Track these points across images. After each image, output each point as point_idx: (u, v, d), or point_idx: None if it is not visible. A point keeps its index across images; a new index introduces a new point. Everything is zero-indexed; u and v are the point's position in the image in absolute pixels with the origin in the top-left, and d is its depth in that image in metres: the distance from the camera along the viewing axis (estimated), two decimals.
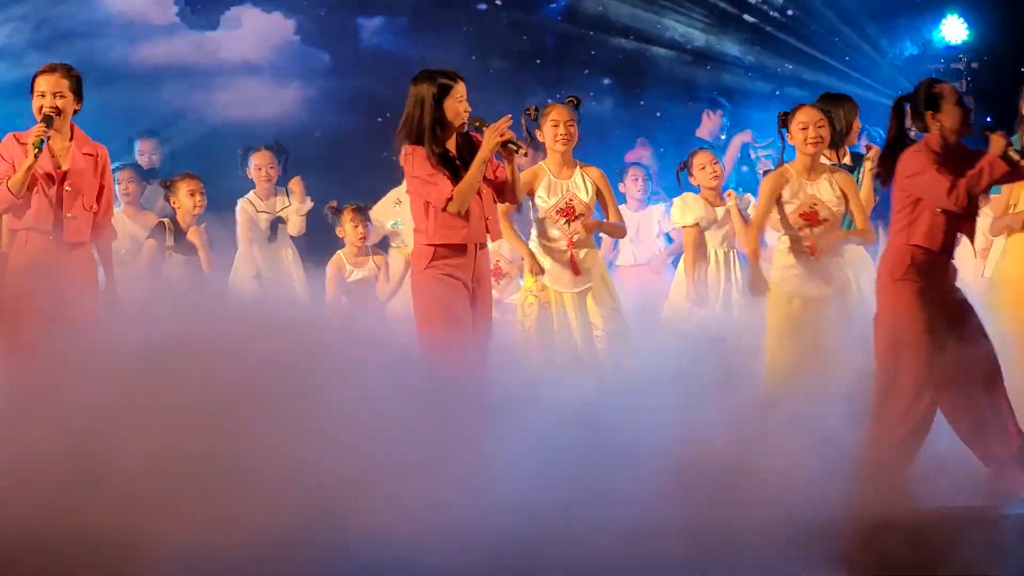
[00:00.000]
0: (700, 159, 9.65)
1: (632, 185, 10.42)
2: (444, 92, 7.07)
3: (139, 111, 12.35)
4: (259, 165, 10.11)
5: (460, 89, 7.14)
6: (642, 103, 14.53)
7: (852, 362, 7.55)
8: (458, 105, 7.07)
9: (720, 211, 9.46)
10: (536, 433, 6.33)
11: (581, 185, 8.41)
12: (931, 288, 6.95)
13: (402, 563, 5.17)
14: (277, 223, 10.24)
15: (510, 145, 6.98)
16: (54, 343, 6.81)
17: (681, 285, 9.62)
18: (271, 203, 10.21)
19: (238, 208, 10.26)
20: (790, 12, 14.80)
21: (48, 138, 6.97)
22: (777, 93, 14.63)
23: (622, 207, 9.56)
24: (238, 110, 13.07)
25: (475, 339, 7.16)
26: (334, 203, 10.01)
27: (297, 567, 5.21)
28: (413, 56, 13.37)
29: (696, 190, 9.67)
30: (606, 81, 14.52)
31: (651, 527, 5.61)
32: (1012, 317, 8.19)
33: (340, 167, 12.52)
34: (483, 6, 14.35)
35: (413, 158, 7.02)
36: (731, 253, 9.58)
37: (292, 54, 13.70)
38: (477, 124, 7.17)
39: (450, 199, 6.90)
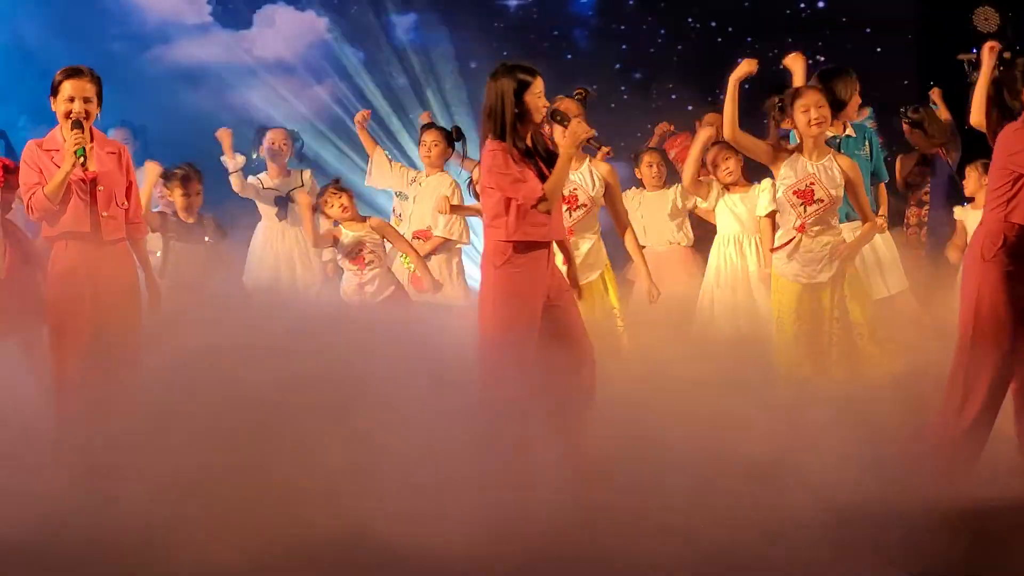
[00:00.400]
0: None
1: (647, 171, 10.28)
2: (523, 87, 6.89)
3: (172, 109, 12.32)
4: (272, 139, 10.19)
5: (539, 84, 6.98)
6: (673, 97, 14.17)
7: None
8: (537, 100, 6.92)
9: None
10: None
11: (588, 178, 8.55)
12: (1022, 270, 6.71)
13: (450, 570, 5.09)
14: (286, 201, 10.19)
15: (592, 143, 6.92)
16: (109, 345, 6.96)
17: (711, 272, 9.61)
18: (282, 182, 10.25)
19: (246, 181, 10.32)
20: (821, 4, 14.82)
21: (85, 147, 6.87)
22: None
23: (641, 190, 10.16)
24: (272, 108, 13.03)
25: (564, 359, 6.81)
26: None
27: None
28: (447, 52, 13.43)
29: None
30: (636, 75, 14.53)
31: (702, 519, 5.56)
32: None
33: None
34: (513, 1, 14.34)
35: (499, 154, 6.80)
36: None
37: (325, 52, 13.69)
38: (559, 118, 7.09)
39: (542, 198, 6.74)
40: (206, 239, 9.78)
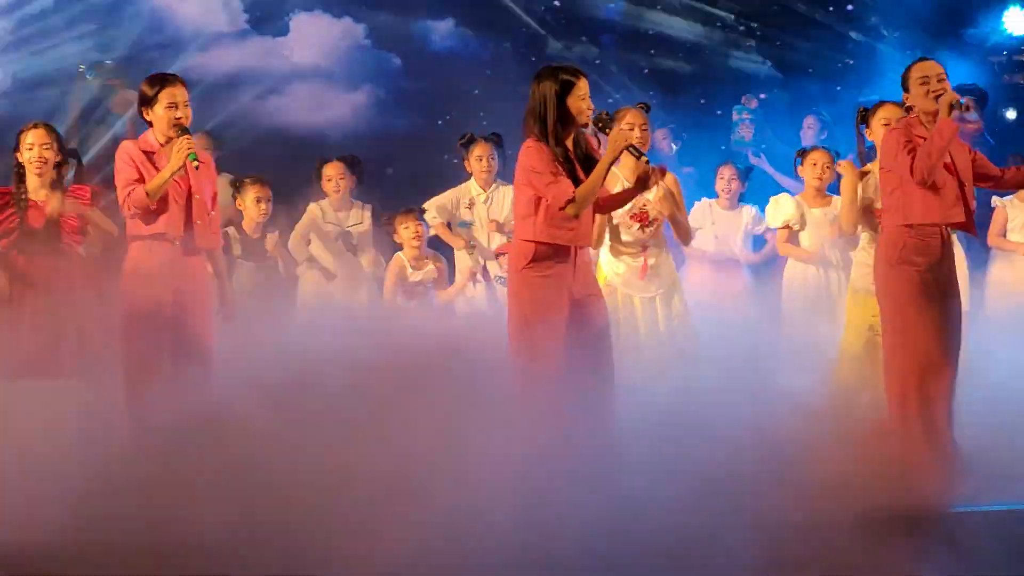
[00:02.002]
0: (813, 157, 9.20)
1: (721, 183, 9.99)
2: (567, 89, 6.72)
3: (211, 116, 11.77)
4: (329, 176, 9.84)
5: (583, 86, 6.79)
6: (718, 111, 13.81)
7: None
8: (581, 103, 6.73)
9: (817, 212, 9.12)
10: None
11: (654, 191, 8.06)
12: (928, 269, 6.92)
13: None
14: (347, 237, 10.05)
15: (631, 150, 6.66)
16: (183, 349, 7.00)
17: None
18: (343, 216, 10.03)
19: (308, 208, 10.05)
20: (850, 7, 14.34)
21: (194, 153, 6.89)
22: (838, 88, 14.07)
23: (714, 202, 9.90)
24: (310, 114, 12.86)
25: (587, 360, 6.72)
26: (384, 215, 9.87)
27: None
28: (483, 57, 13.42)
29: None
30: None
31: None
32: None
33: (409, 169, 12.20)
34: (543, 6, 14.07)
35: (535, 153, 6.67)
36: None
37: (362, 58, 13.46)
38: (600, 124, 6.80)
39: (571, 200, 6.55)
40: (269, 256, 9.73)
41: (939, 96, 6.89)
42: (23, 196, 7.56)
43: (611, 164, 6.74)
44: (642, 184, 6.83)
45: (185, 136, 6.87)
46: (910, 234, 6.86)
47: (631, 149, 6.69)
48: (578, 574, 5.25)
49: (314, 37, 13.53)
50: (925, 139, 6.77)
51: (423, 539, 5.23)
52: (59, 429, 7.01)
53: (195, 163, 6.86)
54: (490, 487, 5.66)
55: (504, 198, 9.51)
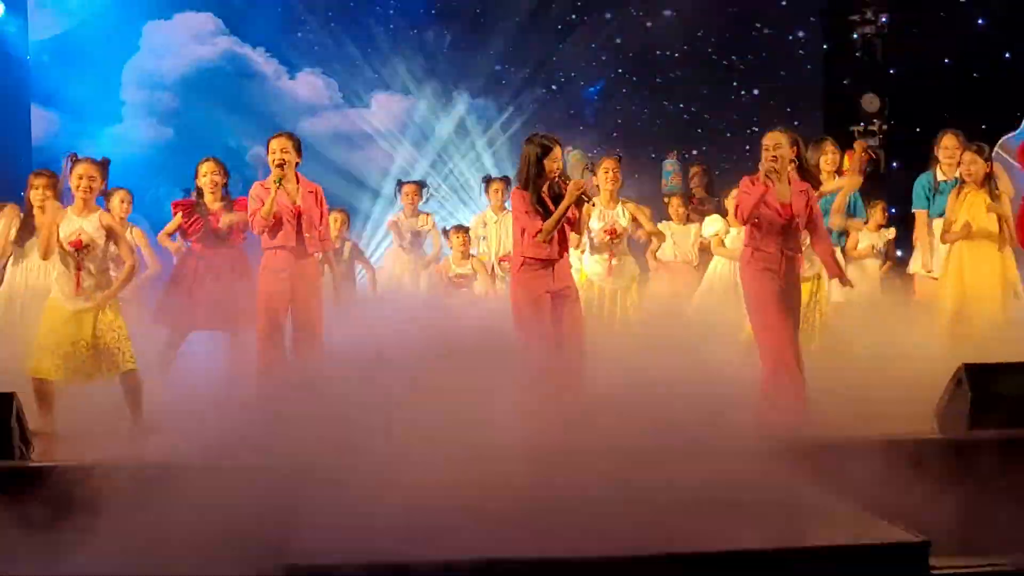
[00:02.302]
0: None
1: (672, 210, 10.97)
2: (545, 153, 7.37)
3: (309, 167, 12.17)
4: (407, 192, 10.93)
5: (556, 152, 7.43)
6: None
7: None
8: (553, 163, 7.38)
9: (734, 228, 9.40)
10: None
11: (621, 214, 9.08)
12: (776, 275, 7.45)
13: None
14: (416, 236, 11.02)
15: (583, 197, 7.36)
16: (300, 326, 7.61)
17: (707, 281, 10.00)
18: (413, 221, 10.96)
19: (389, 219, 11.22)
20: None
21: (283, 179, 7.52)
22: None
23: (669, 223, 10.74)
24: (383, 158, 13.48)
25: (562, 330, 7.47)
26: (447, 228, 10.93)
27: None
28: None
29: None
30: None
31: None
32: (952, 296, 8.57)
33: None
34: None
35: (519, 198, 7.42)
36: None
37: (423, 126, 13.77)
38: (565, 179, 7.54)
39: (539, 231, 7.27)
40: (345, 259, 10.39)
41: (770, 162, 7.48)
42: (203, 207, 8.26)
43: (567, 208, 7.31)
44: (578, 204, 7.37)
45: (276, 169, 7.53)
46: (760, 255, 7.48)
47: (583, 196, 7.33)
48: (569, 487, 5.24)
49: (387, 109, 13.72)
50: (750, 193, 7.39)
51: (458, 467, 5.25)
52: (222, 365, 8.18)
53: (277, 185, 7.45)
54: (506, 425, 5.89)
55: (508, 221, 9.81)
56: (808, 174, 7.68)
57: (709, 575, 4.41)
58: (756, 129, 10.05)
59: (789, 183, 7.51)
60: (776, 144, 7.50)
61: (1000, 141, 10.38)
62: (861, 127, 13.23)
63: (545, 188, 7.47)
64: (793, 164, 7.53)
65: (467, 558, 4.34)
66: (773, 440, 5.88)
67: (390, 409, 6.10)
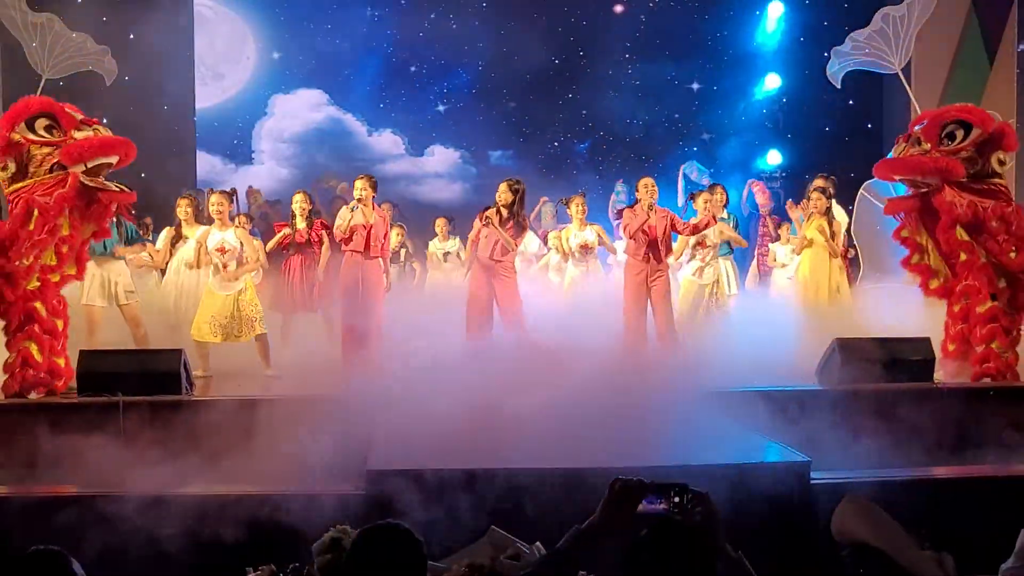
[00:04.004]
0: (704, 196, 8.75)
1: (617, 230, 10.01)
2: (520, 195, 7.54)
3: (385, 195, 11.27)
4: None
5: (502, 187, 7.54)
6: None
7: None
8: (501, 196, 7.51)
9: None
10: None
11: (592, 235, 8.90)
12: (647, 275, 7.52)
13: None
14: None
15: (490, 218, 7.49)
16: (366, 311, 7.30)
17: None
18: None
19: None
20: None
21: (356, 208, 7.37)
22: None
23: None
24: (436, 192, 13.22)
25: (504, 311, 7.49)
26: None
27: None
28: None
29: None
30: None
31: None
32: (805, 297, 8.50)
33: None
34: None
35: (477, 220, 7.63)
36: None
37: (464, 168, 13.53)
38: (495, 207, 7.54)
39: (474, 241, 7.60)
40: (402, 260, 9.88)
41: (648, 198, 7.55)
42: (294, 226, 8.04)
43: (480, 227, 7.48)
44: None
45: (357, 201, 7.32)
46: (634, 261, 7.57)
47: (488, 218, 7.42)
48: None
49: (441, 157, 13.40)
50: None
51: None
52: (313, 342, 7.94)
53: (352, 213, 7.26)
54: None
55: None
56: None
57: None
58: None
59: (656, 212, 7.58)
60: (645, 185, 7.66)
61: (864, 184, 10.34)
62: (767, 175, 13.09)
63: (496, 210, 7.50)
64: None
65: (509, 467, 4.24)
66: (699, 386, 5.74)
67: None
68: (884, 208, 7.41)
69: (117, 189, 6.32)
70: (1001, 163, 6.74)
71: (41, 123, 6.10)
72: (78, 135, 6.17)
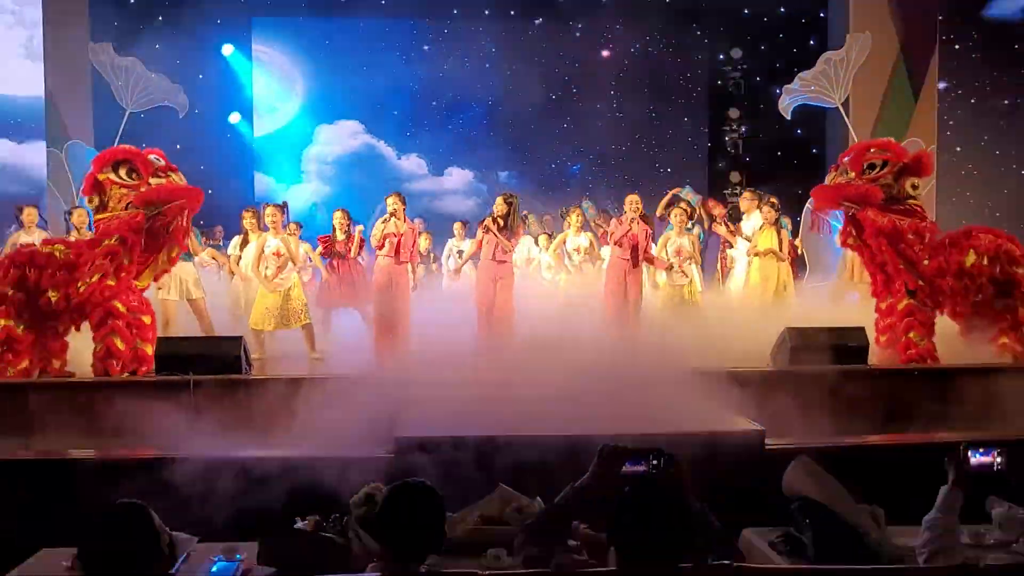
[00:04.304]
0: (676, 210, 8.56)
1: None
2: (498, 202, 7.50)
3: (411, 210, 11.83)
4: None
5: (498, 201, 7.48)
6: None
7: None
8: (497, 207, 7.46)
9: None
10: None
11: (585, 240, 8.69)
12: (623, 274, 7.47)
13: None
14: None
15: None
16: (395, 310, 7.19)
17: None
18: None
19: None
20: None
21: (388, 219, 7.33)
22: None
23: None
24: (451, 209, 12.94)
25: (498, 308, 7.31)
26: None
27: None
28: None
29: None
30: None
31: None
32: (757, 294, 8.39)
33: None
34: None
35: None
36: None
37: (477, 186, 13.48)
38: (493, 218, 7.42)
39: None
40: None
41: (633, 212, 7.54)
42: (333, 239, 7.83)
43: (481, 235, 7.42)
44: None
45: (389, 215, 7.26)
46: (616, 262, 7.54)
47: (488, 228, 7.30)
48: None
49: (457, 177, 13.33)
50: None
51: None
52: (350, 332, 7.86)
53: (384, 224, 7.21)
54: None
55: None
56: (648, 220, 7.76)
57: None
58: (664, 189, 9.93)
59: (638, 224, 7.54)
60: (631, 202, 7.65)
61: (810, 200, 10.23)
62: (729, 191, 12.99)
63: (495, 220, 7.39)
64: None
65: (514, 435, 4.22)
66: (674, 367, 5.50)
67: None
68: (813, 207, 7.53)
69: (180, 224, 6.42)
70: (915, 187, 6.88)
71: (124, 168, 6.23)
72: (153, 181, 6.27)
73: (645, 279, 8.12)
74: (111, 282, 6.24)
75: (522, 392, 4.90)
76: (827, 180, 7.19)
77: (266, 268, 7.34)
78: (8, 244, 7.79)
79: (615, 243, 7.60)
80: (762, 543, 3.10)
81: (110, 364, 6.23)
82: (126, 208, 6.23)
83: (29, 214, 8.02)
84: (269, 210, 7.62)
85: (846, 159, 7.03)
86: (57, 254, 6.24)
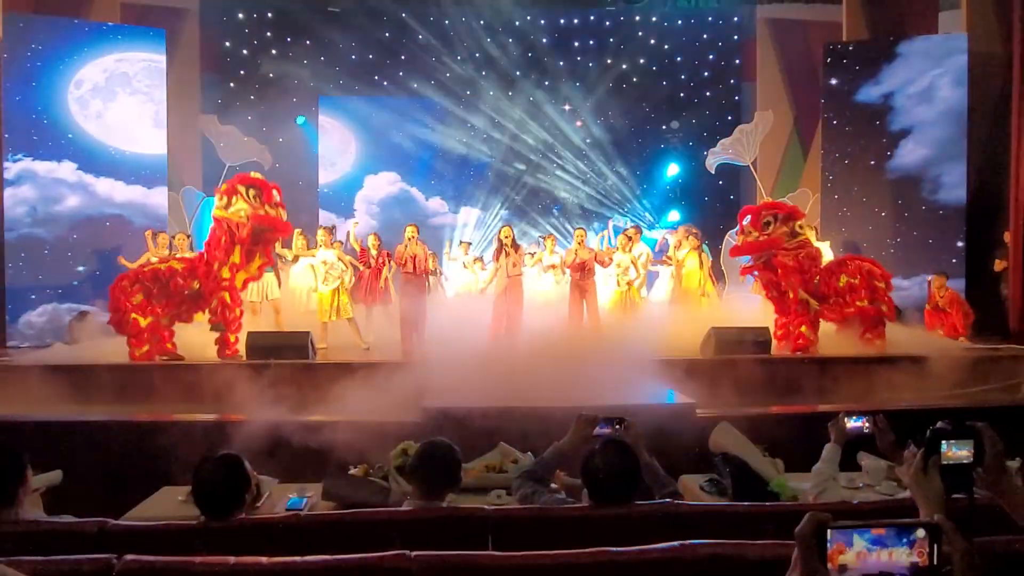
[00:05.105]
0: (628, 232, 8.23)
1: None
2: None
3: (429, 239, 11.20)
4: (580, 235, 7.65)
5: (506, 230, 7.00)
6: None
7: None
8: (501, 233, 7.05)
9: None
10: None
11: (557, 259, 8.28)
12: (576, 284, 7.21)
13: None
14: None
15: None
16: (416, 311, 6.83)
17: None
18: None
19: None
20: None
21: (407, 243, 6.96)
22: None
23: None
24: (463, 235, 12.09)
25: (511, 311, 6.93)
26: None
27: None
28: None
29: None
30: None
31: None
32: (686, 299, 8.21)
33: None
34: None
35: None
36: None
37: (483, 219, 12.92)
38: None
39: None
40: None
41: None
42: (369, 253, 7.49)
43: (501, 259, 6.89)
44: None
45: (409, 239, 6.90)
46: (573, 277, 7.21)
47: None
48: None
49: (468, 215, 12.75)
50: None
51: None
52: (384, 326, 7.53)
53: (406, 245, 6.81)
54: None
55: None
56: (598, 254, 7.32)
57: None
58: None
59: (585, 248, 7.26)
60: (583, 232, 7.39)
61: (728, 232, 10.29)
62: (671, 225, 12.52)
63: (500, 238, 7.01)
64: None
65: (512, 406, 4.09)
66: (627, 356, 5.52)
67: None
68: (732, 252, 7.42)
69: (271, 247, 6.51)
70: (800, 227, 6.85)
71: (253, 190, 6.23)
72: (268, 209, 6.27)
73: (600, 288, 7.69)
74: (225, 274, 6.20)
75: (519, 375, 4.82)
76: (737, 239, 7.07)
77: (328, 272, 7.22)
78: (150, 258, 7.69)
79: (568, 266, 7.37)
80: (694, 486, 3.08)
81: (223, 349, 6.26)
82: (242, 216, 6.21)
83: (180, 239, 7.85)
84: (321, 231, 7.46)
85: (746, 221, 6.91)
86: (176, 265, 6.26)
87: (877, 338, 6.80)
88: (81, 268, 8.76)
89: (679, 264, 8.42)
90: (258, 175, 6.49)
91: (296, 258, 7.61)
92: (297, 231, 7.64)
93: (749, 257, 7.01)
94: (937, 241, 9.09)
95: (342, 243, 8.89)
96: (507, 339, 6.45)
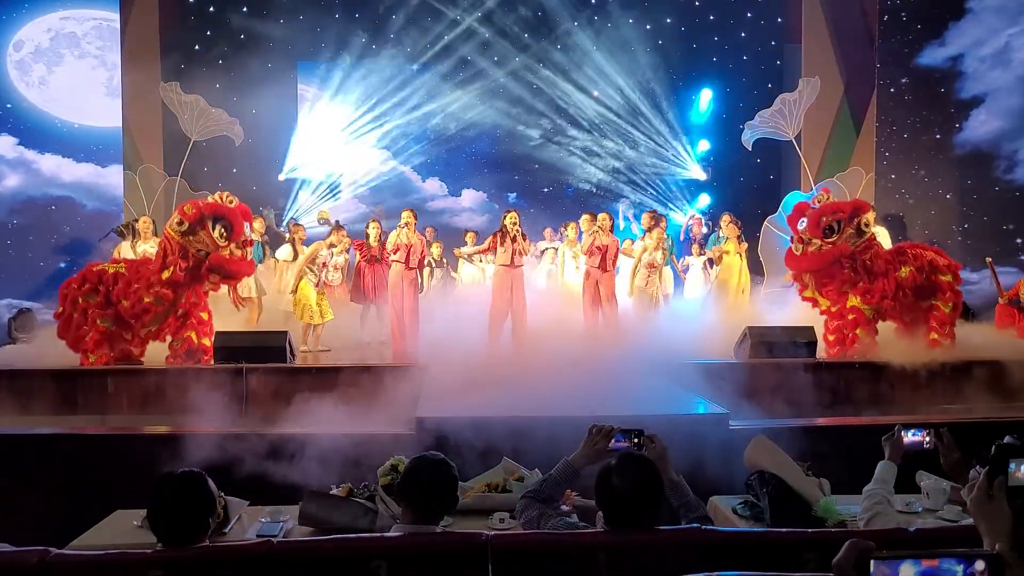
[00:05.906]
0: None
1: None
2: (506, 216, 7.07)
3: (432, 223, 11.32)
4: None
5: (511, 215, 7.02)
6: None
7: None
8: (504, 220, 7.04)
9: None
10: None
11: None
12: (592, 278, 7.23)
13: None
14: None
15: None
16: (412, 308, 6.96)
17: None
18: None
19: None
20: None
21: (401, 230, 7.06)
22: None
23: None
24: (465, 224, 12.42)
25: (516, 306, 6.95)
26: None
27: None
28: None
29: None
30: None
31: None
32: (721, 295, 8.25)
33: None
34: None
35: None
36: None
37: (488, 204, 13.06)
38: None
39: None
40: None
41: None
42: (367, 244, 7.72)
43: (489, 243, 7.03)
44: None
45: (404, 225, 7.02)
46: (590, 271, 7.25)
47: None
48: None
49: (471, 197, 12.90)
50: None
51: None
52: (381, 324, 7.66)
53: (399, 232, 6.93)
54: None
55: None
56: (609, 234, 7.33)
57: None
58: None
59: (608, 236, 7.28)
60: (606, 219, 7.38)
61: (767, 219, 10.27)
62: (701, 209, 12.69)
63: (504, 228, 7.03)
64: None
65: (515, 416, 4.13)
66: (651, 359, 5.65)
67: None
68: (790, 264, 7.12)
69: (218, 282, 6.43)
70: (866, 224, 6.73)
71: (221, 224, 6.22)
72: (234, 249, 6.30)
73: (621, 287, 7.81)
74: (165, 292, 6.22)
75: (521, 381, 4.83)
76: (795, 250, 6.92)
77: (325, 271, 7.31)
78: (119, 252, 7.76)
79: (587, 253, 7.38)
80: (726, 509, 3.06)
81: (189, 353, 6.29)
82: (197, 252, 6.21)
83: (144, 223, 7.90)
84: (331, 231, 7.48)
85: (801, 226, 6.85)
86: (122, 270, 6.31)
87: (945, 339, 6.81)
88: (23, 258, 8.81)
89: (723, 252, 8.39)
90: (233, 201, 6.42)
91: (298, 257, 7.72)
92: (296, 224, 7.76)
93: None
94: (1013, 228, 9.07)
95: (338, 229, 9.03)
96: (512, 339, 6.53)
